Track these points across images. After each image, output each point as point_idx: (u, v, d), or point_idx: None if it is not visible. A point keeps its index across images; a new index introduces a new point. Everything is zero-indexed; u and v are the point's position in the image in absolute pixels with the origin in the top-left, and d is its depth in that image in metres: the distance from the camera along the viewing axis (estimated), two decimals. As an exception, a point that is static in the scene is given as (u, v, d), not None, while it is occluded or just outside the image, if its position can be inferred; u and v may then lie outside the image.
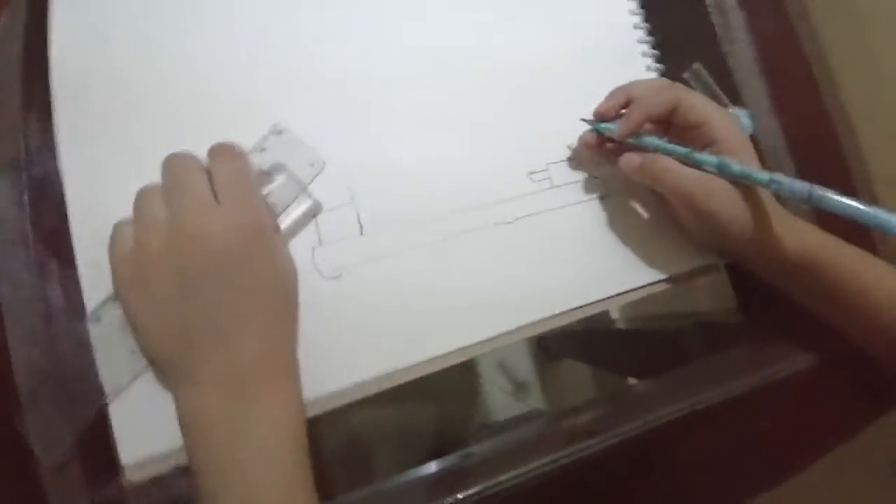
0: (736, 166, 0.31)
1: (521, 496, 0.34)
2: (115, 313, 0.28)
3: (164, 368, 0.28)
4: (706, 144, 0.33)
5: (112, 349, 0.28)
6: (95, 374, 0.28)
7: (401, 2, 0.37)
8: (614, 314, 0.95)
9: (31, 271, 0.29)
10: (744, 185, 0.32)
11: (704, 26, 0.44)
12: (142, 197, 0.28)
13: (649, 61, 0.41)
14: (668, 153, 0.33)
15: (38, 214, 0.30)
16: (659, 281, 0.37)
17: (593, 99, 0.38)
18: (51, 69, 0.31)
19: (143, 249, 0.27)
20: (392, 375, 0.32)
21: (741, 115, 0.41)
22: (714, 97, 0.42)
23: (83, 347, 0.28)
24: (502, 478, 0.34)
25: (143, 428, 0.28)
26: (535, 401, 1.01)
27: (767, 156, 0.42)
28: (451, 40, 0.38)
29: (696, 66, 0.43)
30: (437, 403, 0.95)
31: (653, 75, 0.41)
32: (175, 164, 0.29)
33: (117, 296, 0.28)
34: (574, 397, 1.01)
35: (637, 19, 0.42)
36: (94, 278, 0.29)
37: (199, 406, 0.27)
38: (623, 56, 0.41)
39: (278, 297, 0.29)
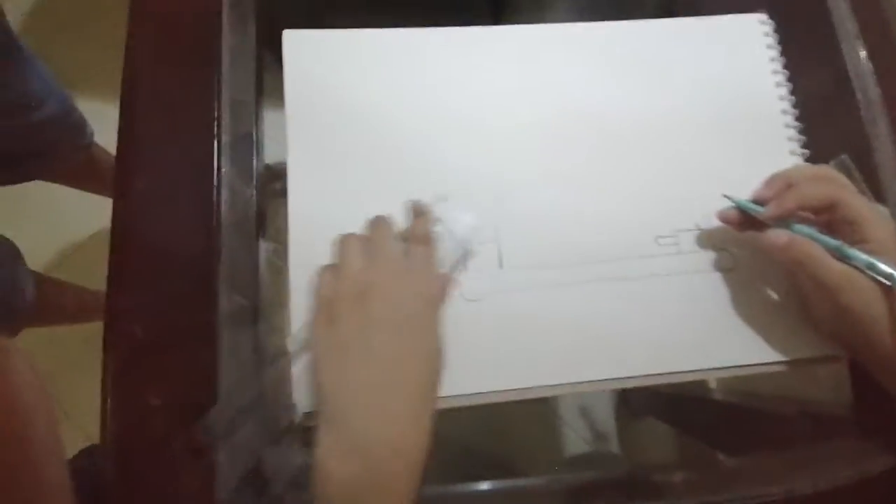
0: (885, 267, 0.32)
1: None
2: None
3: (323, 404, 0.30)
4: (855, 242, 0.34)
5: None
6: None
7: (547, 63, 0.42)
8: (711, 383, 0.92)
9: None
10: (888, 289, 0.32)
11: (851, 115, 0.44)
12: (345, 243, 0.34)
13: (794, 146, 0.42)
14: (817, 242, 0.34)
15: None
16: (777, 362, 0.38)
17: (730, 174, 0.40)
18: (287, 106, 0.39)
19: (337, 290, 0.32)
20: (507, 393, 0.36)
21: (883, 214, 0.41)
22: (859, 190, 0.42)
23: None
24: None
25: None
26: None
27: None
28: (596, 102, 0.42)
29: (844, 157, 0.43)
30: (514, 436, 0.97)
31: (797, 159, 0.42)
32: (378, 226, 0.34)
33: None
34: (654, 458, 0.98)
35: (786, 104, 0.43)
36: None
37: (331, 464, 0.28)
38: (767, 137, 0.43)
39: (434, 366, 0.31)
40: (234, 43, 0.40)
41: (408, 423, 0.29)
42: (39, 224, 1.08)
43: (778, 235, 0.35)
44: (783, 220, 0.35)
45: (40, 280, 0.73)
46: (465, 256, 0.37)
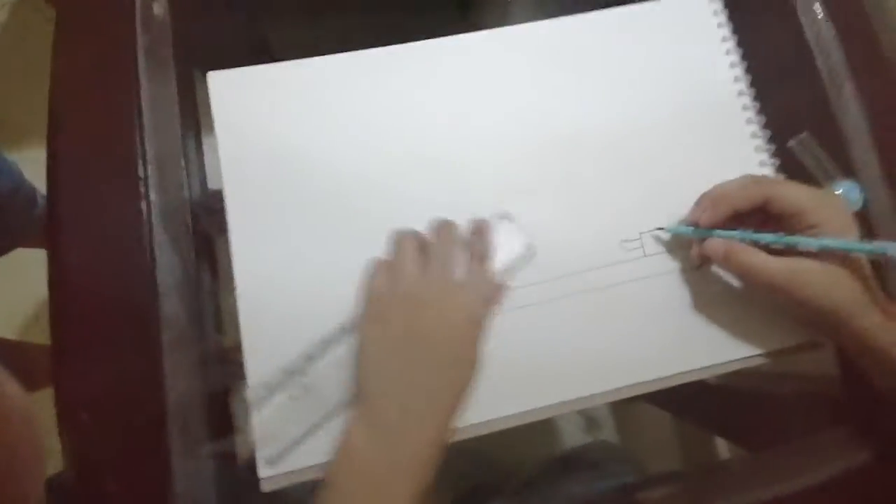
0: (834, 242, 0.31)
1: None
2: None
3: (362, 389, 0.32)
4: (805, 230, 0.32)
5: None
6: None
7: (491, 72, 0.40)
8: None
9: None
10: (850, 268, 0.31)
11: (815, 95, 0.42)
12: (403, 245, 0.34)
13: (755, 127, 0.41)
14: (757, 242, 0.33)
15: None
16: (758, 355, 0.37)
17: (690, 167, 0.39)
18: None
19: (391, 293, 0.33)
20: (488, 423, 0.35)
21: (851, 189, 0.39)
22: (821, 168, 0.41)
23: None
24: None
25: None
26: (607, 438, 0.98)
27: (880, 227, 0.40)
28: (553, 110, 0.40)
29: (804, 134, 0.42)
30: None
31: (757, 143, 0.41)
32: (441, 232, 0.35)
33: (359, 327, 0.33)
34: (648, 442, 0.97)
35: (741, 86, 0.41)
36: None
37: (359, 442, 0.31)
38: (726, 123, 0.41)
39: (469, 379, 0.33)
40: (153, 91, 0.37)
41: (435, 421, 0.31)
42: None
43: (715, 246, 0.35)
44: (716, 225, 0.35)
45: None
46: (515, 272, 0.37)
